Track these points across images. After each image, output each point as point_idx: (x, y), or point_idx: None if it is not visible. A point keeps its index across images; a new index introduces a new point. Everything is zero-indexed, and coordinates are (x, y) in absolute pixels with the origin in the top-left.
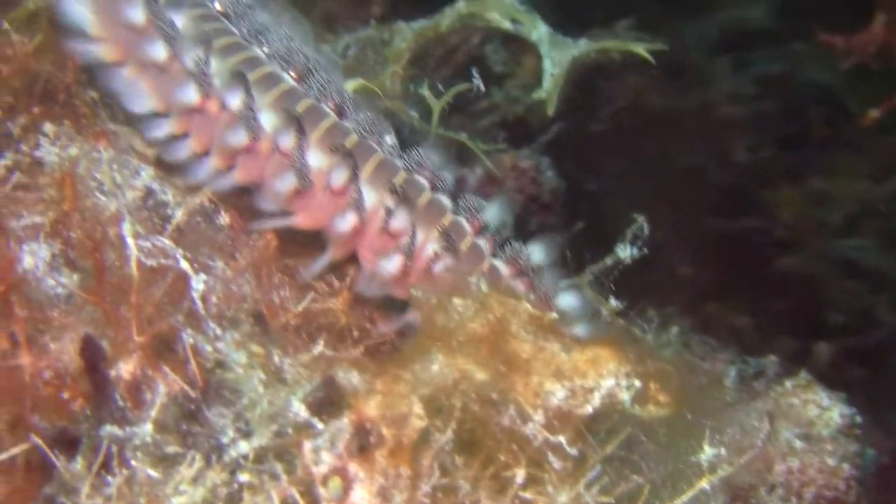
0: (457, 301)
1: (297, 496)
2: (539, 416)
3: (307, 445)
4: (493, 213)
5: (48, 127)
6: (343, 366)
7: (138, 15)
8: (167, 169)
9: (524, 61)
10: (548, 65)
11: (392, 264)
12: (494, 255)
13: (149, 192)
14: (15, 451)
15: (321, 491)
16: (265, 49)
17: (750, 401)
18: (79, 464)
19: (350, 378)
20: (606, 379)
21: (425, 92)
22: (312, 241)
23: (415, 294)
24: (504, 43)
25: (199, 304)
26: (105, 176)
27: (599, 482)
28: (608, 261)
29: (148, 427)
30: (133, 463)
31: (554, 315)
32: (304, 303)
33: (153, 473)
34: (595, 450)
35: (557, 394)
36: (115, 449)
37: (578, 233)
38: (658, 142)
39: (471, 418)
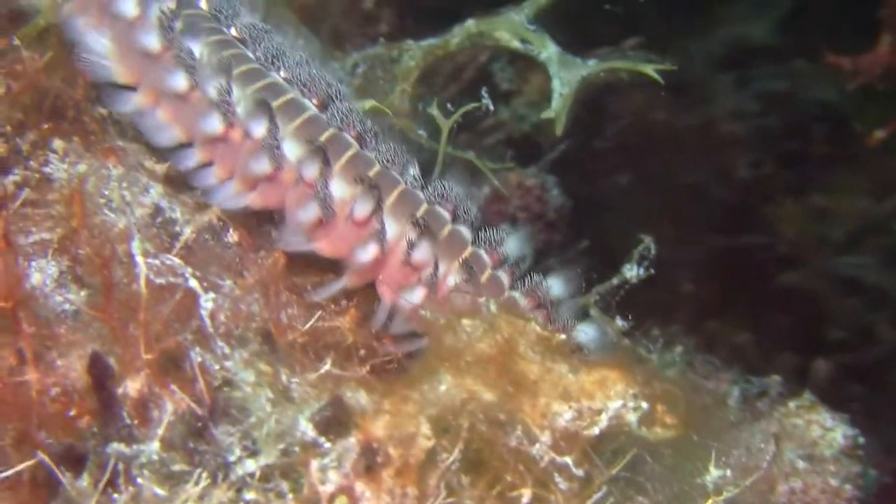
0: (465, 321)
1: None
2: (546, 437)
3: (314, 464)
4: (512, 245)
5: (57, 143)
6: (351, 385)
7: (153, 42)
8: (176, 186)
9: (531, 79)
10: (557, 84)
11: (415, 297)
12: (513, 288)
13: (157, 210)
14: (21, 467)
15: None
16: (282, 74)
17: (754, 421)
18: (85, 481)
19: (358, 398)
20: (614, 401)
21: (434, 111)
22: (321, 258)
23: (424, 314)
24: (511, 61)
25: (208, 322)
26: (114, 193)
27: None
28: (615, 281)
29: (155, 445)
30: (139, 481)
31: (562, 336)
32: (311, 321)
33: (159, 491)
34: (601, 471)
35: (565, 415)
36: (121, 466)
37: (583, 250)
38: (661, 159)
39: (478, 438)
